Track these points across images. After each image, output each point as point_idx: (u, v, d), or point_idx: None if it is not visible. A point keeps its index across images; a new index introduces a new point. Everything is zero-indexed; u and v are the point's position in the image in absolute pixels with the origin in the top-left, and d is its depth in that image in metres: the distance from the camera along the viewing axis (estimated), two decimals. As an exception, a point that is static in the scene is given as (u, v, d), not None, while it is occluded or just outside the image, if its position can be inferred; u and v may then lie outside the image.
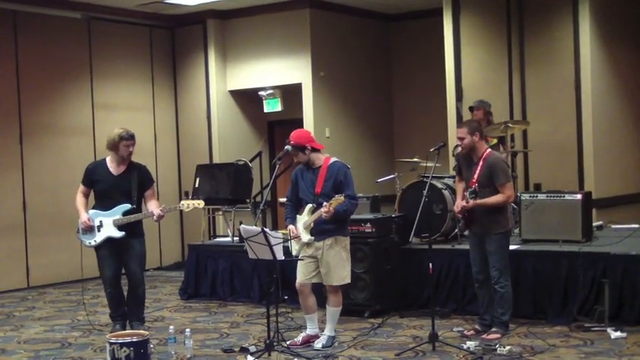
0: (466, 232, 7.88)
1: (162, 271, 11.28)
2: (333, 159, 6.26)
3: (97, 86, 10.90)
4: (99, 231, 6.64)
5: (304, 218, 6.15)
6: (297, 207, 6.28)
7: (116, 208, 6.62)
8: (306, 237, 6.10)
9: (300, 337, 6.30)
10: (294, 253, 6.10)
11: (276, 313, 6.09)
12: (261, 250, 5.82)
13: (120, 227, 6.60)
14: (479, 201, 6.17)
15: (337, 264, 6.12)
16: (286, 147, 6.18)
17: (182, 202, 6.71)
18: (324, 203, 5.89)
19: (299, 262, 6.19)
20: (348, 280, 6.28)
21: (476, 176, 6.25)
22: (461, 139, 6.27)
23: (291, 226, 6.18)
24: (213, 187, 9.51)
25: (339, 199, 5.85)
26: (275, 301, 6.30)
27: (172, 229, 11.78)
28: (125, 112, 11.06)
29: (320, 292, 6.64)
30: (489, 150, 6.37)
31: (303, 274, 6.21)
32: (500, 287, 6.25)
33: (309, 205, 6.12)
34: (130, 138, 6.63)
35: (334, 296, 6.22)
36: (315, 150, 6.19)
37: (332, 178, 6.08)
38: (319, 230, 6.09)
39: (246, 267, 8.56)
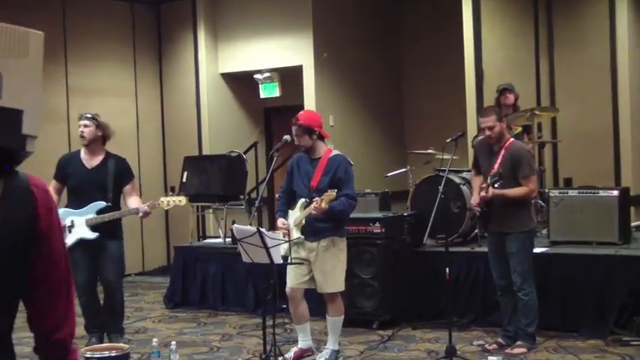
0: (486, 234, 7.88)
1: (144, 277, 11.27)
2: (336, 151, 6.21)
3: (72, 69, 10.86)
4: (70, 232, 6.58)
5: (296, 214, 6.11)
6: (291, 200, 6.24)
7: (89, 206, 6.57)
8: (295, 235, 6.04)
9: (291, 353, 6.25)
10: (281, 253, 5.96)
11: (273, 324, 6.04)
12: (256, 253, 5.77)
13: (93, 228, 6.54)
14: (498, 191, 6.10)
15: (333, 268, 6.07)
16: (285, 137, 6.14)
17: (161, 198, 6.67)
18: (316, 199, 5.82)
19: (288, 265, 6.11)
20: (343, 287, 6.23)
21: (496, 167, 6.20)
22: (490, 128, 6.20)
23: (281, 220, 6.12)
24: (202, 181, 9.50)
25: (331, 194, 5.78)
26: (272, 310, 6.25)
27: (156, 229, 11.75)
28: (104, 98, 11.01)
29: (318, 299, 6.57)
30: (512, 139, 6.35)
31: (294, 278, 6.17)
32: (524, 294, 6.21)
33: (302, 200, 6.08)
34: (82, 118, 6.64)
35: (333, 304, 6.17)
36: (320, 138, 6.15)
37: (330, 173, 6.03)
38: (313, 230, 6.02)
39: (239, 272, 8.52)
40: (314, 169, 6.08)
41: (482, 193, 6.17)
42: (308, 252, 6.07)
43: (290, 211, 6.20)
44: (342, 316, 6.25)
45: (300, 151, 6.23)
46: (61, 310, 2.18)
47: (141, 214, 6.58)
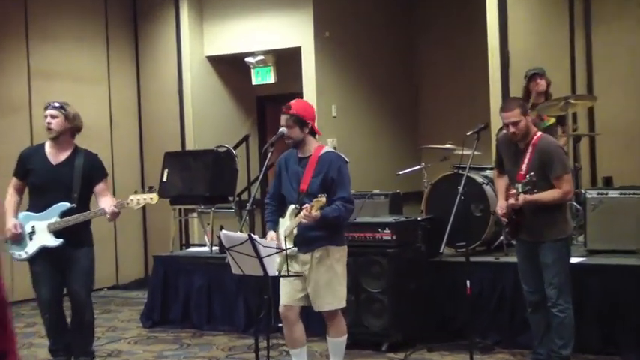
0: (514, 241, 7.86)
1: (118, 291, 11.27)
2: (327, 148, 6.18)
3: (35, 50, 10.86)
4: (31, 239, 6.58)
5: (286, 223, 6.08)
6: (281, 206, 6.21)
7: (52, 208, 6.55)
8: (287, 247, 5.99)
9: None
10: (274, 268, 5.93)
11: (267, 345, 6.04)
12: (248, 264, 5.76)
13: (57, 233, 6.53)
14: (529, 197, 6.10)
15: (328, 283, 6.03)
16: (281, 130, 6.11)
17: (130, 197, 6.64)
18: (306, 206, 5.80)
19: (282, 279, 6.09)
20: (344, 303, 6.19)
21: (524, 167, 6.20)
22: (514, 123, 6.18)
23: (271, 233, 6.11)
24: (186, 181, 9.52)
25: (320, 200, 5.75)
26: (266, 329, 6.25)
27: (132, 235, 11.76)
28: (71, 84, 11.03)
29: (319, 317, 6.55)
30: (540, 133, 6.34)
31: (287, 294, 6.13)
32: (559, 311, 6.21)
33: (292, 207, 6.05)
34: (49, 107, 6.63)
35: (333, 323, 6.14)
36: (312, 134, 6.13)
37: (322, 174, 5.99)
38: (305, 239, 5.98)
39: (228, 285, 8.53)
40: (303, 170, 6.06)
41: (511, 201, 6.16)
42: (301, 264, 6.04)
43: (281, 220, 6.17)
44: (345, 336, 6.23)
45: (289, 146, 6.18)
46: None
47: (108, 215, 6.55)
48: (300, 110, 6.09)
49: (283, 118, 6.05)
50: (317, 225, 5.86)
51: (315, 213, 5.73)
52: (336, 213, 5.90)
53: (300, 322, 6.19)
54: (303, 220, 5.79)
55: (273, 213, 6.23)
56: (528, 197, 6.08)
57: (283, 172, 6.19)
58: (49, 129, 6.61)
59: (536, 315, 6.41)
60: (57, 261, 6.58)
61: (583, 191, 7.84)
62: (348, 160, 6.15)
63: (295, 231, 5.97)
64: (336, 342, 6.19)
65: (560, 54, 9.64)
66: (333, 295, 6.04)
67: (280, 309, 6.15)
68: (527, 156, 6.21)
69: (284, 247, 5.85)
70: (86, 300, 6.71)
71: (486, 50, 9.78)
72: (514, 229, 6.36)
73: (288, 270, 5.88)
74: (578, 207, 7.95)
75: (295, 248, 5.97)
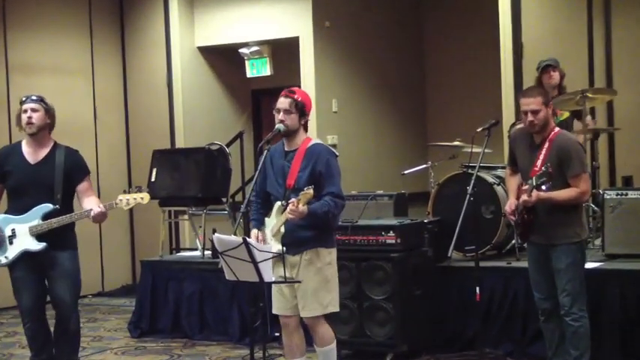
0: (526, 245, 7.90)
1: (104, 298, 11.30)
2: (315, 140, 6.20)
3: (13, 41, 10.88)
4: (11, 243, 6.58)
5: (272, 222, 6.11)
6: (266, 204, 6.24)
7: (33, 210, 6.55)
8: (275, 247, 6.01)
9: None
10: (271, 274, 5.92)
11: (263, 356, 6.03)
12: (242, 269, 5.79)
13: (39, 237, 6.56)
14: (544, 194, 6.09)
15: (318, 287, 6.04)
16: (278, 126, 6.14)
17: (119, 197, 6.65)
18: (292, 200, 5.82)
19: (273, 285, 6.12)
20: (335, 308, 6.19)
21: (539, 163, 6.19)
22: (534, 112, 6.17)
23: (254, 231, 6.12)
24: (176, 181, 9.52)
25: (308, 192, 5.75)
26: (262, 339, 6.28)
27: (119, 239, 11.78)
28: (52, 77, 11.06)
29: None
30: (558, 129, 6.34)
31: (280, 303, 6.16)
32: (573, 320, 6.21)
33: (278, 204, 6.04)
34: (28, 101, 6.58)
35: (317, 331, 6.12)
36: (305, 128, 6.18)
37: (309, 167, 6.00)
38: (293, 240, 5.99)
39: (221, 292, 8.57)
40: (289, 164, 6.08)
41: (524, 197, 6.14)
42: (290, 267, 6.05)
43: (267, 219, 6.19)
44: (333, 345, 6.18)
45: (277, 141, 6.18)
46: None
47: (93, 214, 6.54)
48: (304, 98, 6.13)
49: (285, 102, 6.02)
50: (305, 222, 5.89)
51: (302, 207, 5.73)
52: (325, 208, 5.88)
53: (300, 330, 6.21)
54: (290, 216, 5.79)
55: (257, 211, 6.22)
56: (543, 194, 6.05)
57: (268, 167, 6.17)
58: (30, 123, 6.55)
59: (549, 324, 6.39)
60: (39, 266, 6.57)
61: (601, 191, 7.81)
62: (337, 154, 6.14)
63: (282, 229, 5.96)
64: (325, 352, 6.16)
65: (578, 44, 9.63)
66: (318, 302, 6.03)
67: (280, 318, 6.19)
68: (544, 152, 6.18)
69: (281, 253, 5.85)
70: (71, 307, 6.69)
71: (498, 40, 9.80)
72: (525, 230, 6.32)
73: (285, 277, 5.94)
74: (596, 208, 7.96)
75: (284, 249, 5.93)
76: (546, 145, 6.20)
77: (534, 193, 6.04)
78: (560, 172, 6.15)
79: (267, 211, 6.19)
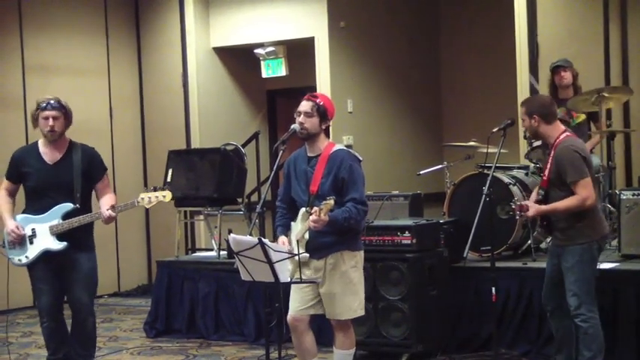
0: (542, 245, 7.91)
1: (120, 299, 11.33)
2: (339, 146, 6.20)
3: (29, 42, 10.92)
4: (32, 243, 6.62)
5: (297, 227, 6.12)
6: (292, 209, 6.25)
7: (53, 209, 6.60)
8: (299, 252, 6.01)
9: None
10: (287, 274, 5.96)
11: (278, 356, 6.05)
12: (258, 269, 5.80)
13: (60, 236, 6.60)
14: (544, 207, 6.21)
15: (344, 290, 6.06)
16: (293, 126, 6.15)
17: (141, 195, 6.68)
18: (315, 208, 5.83)
19: (292, 286, 6.14)
20: (362, 312, 6.23)
21: (546, 172, 6.27)
22: (523, 121, 6.37)
23: (282, 238, 6.15)
24: (191, 181, 9.54)
25: (329, 203, 5.76)
26: (277, 340, 6.28)
27: (135, 239, 11.81)
28: (69, 78, 11.09)
29: (326, 326, 6.59)
30: (564, 135, 6.31)
31: (297, 303, 6.15)
32: (582, 321, 6.19)
33: (303, 210, 6.05)
34: (48, 107, 6.56)
35: (343, 335, 6.16)
36: (326, 133, 6.19)
37: (332, 173, 6.00)
38: (317, 245, 6.01)
39: (237, 292, 8.60)
40: (313, 170, 6.09)
41: (530, 212, 6.27)
42: (314, 272, 6.08)
43: (292, 224, 6.22)
44: (353, 350, 6.22)
45: (303, 139, 6.19)
46: None
47: (104, 218, 6.56)
48: (326, 103, 6.14)
49: (307, 105, 6.04)
50: (328, 229, 5.91)
51: (324, 217, 5.76)
52: (346, 214, 5.89)
53: (310, 332, 6.21)
54: (312, 225, 5.81)
55: (283, 216, 6.25)
56: (543, 208, 6.20)
57: (292, 173, 6.20)
58: (52, 131, 6.54)
59: (552, 321, 6.45)
60: (58, 265, 6.63)
61: (617, 192, 7.80)
62: (361, 158, 6.14)
63: (307, 236, 5.99)
64: (343, 355, 6.18)
65: (594, 44, 9.61)
66: (345, 305, 6.06)
67: (289, 319, 6.16)
68: (550, 160, 6.27)
69: (296, 253, 5.82)
70: (89, 306, 6.75)
71: (514, 40, 9.79)
72: (547, 227, 6.43)
73: (301, 277, 5.95)
74: (612, 209, 7.95)
75: (307, 255, 5.99)
76: (552, 153, 6.28)
77: (532, 208, 6.20)
78: (563, 181, 6.19)
79: (293, 216, 6.21)
